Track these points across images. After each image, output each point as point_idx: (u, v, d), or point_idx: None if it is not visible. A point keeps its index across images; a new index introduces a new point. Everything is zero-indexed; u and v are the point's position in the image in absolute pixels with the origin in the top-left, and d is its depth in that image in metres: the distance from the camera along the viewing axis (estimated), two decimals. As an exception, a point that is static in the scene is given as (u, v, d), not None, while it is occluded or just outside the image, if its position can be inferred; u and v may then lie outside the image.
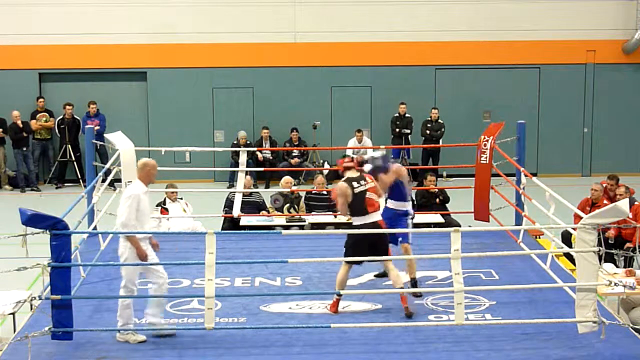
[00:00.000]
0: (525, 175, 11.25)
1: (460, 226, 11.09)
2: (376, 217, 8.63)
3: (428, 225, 11.99)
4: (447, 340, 7.86)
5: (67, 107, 18.11)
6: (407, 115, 18.48)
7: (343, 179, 8.71)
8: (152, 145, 17.77)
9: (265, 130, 18.23)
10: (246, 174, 12.53)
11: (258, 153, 17.80)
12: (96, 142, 12.48)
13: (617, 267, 10.34)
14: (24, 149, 17.95)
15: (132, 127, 17.16)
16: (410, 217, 9.41)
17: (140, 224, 7.84)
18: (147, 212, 7.97)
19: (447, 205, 13.02)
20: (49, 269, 7.39)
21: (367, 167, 9.01)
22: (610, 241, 11.22)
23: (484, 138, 11.61)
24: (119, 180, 11.52)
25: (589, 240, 7.65)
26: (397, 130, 18.39)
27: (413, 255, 9.18)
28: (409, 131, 18.26)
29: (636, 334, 7.98)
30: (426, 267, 9.97)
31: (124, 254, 7.85)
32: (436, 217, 12.32)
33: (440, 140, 18.25)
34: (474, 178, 11.95)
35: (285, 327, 8.07)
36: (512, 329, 8.08)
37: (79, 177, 17.87)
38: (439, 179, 17.52)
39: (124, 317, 7.87)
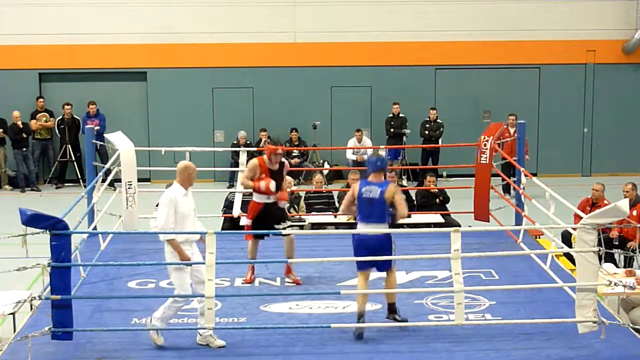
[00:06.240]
0: (525, 175, 11.25)
1: (460, 226, 11.09)
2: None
3: (428, 225, 11.99)
4: (447, 340, 7.86)
5: (66, 107, 18.09)
6: (401, 115, 18.47)
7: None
8: (152, 145, 17.76)
9: (263, 133, 18.17)
10: (246, 174, 12.48)
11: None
12: (96, 142, 12.47)
13: (617, 267, 10.34)
14: (24, 149, 17.94)
15: (132, 127, 17.15)
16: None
17: (181, 227, 7.68)
18: (188, 214, 7.76)
19: (447, 205, 13.02)
20: (49, 269, 7.38)
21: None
22: (615, 242, 11.21)
23: (484, 138, 11.60)
24: (119, 180, 11.51)
25: (589, 240, 7.65)
26: (392, 130, 18.36)
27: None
28: (409, 131, 18.24)
29: (636, 334, 7.97)
30: (426, 267, 9.98)
31: (169, 260, 7.74)
32: (436, 217, 12.31)
33: (440, 140, 18.23)
34: (474, 178, 11.95)
35: (285, 327, 8.07)
36: (512, 329, 8.08)
37: (79, 177, 17.86)
38: (439, 179, 17.52)
39: (163, 317, 7.73)
